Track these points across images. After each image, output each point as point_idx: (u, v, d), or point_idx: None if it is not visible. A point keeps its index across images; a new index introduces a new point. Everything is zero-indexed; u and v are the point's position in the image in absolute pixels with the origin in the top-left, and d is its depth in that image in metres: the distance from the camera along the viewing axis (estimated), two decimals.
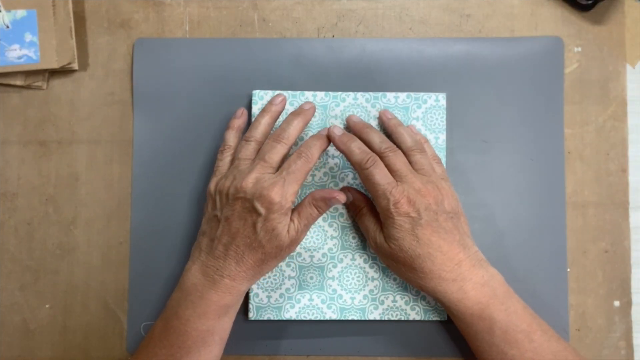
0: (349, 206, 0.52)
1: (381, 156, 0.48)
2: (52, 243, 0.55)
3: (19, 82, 0.55)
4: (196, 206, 0.54)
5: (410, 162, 0.49)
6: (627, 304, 0.53)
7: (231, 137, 0.51)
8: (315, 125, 0.53)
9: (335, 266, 0.52)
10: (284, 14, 0.56)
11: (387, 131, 0.52)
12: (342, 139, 0.49)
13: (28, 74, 0.55)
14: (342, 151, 0.49)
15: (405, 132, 0.50)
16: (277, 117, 0.51)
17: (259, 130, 0.50)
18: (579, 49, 0.55)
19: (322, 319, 0.52)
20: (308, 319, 0.52)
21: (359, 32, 0.56)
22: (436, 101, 0.53)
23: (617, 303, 0.53)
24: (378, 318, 0.52)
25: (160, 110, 0.55)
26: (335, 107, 0.53)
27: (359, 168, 0.48)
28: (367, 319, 0.52)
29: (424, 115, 0.53)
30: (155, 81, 0.55)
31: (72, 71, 0.56)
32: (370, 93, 0.53)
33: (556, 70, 0.55)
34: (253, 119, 0.53)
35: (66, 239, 0.55)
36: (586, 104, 0.55)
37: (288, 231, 0.46)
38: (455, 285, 0.46)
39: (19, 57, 0.54)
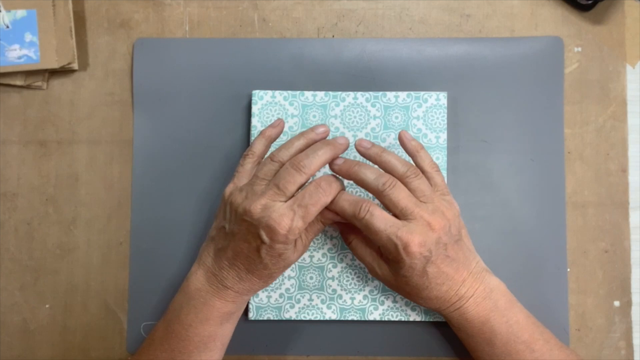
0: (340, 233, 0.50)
1: (380, 194, 0.45)
2: (52, 243, 0.55)
3: (19, 82, 0.55)
4: (196, 206, 0.54)
5: (409, 191, 0.45)
6: (627, 304, 0.53)
7: (259, 145, 0.49)
8: (315, 124, 0.53)
9: (335, 266, 0.52)
10: (284, 14, 0.56)
11: (371, 162, 0.48)
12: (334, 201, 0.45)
13: (28, 74, 0.55)
14: (334, 208, 0.45)
15: (392, 158, 0.46)
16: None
17: (288, 154, 0.47)
18: (579, 49, 0.55)
19: (322, 319, 0.52)
20: (308, 319, 0.52)
21: (359, 32, 0.56)
22: (437, 100, 0.53)
23: (617, 303, 0.53)
24: (378, 318, 0.52)
25: (160, 110, 0.55)
26: (335, 107, 0.53)
27: (352, 219, 0.45)
28: (367, 319, 0.52)
29: (425, 114, 0.53)
30: (155, 81, 0.55)
31: (72, 71, 0.56)
32: (371, 93, 0.53)
33: (556, 70, 0.55)
34: (253, 119, 0.53)
35: (66, 239, 0.55)
36: (586, 104, 0.55)
37: (295, 249, 0.45)
38: (458, 304, 0.46)
39: (19, 57, 0.54)
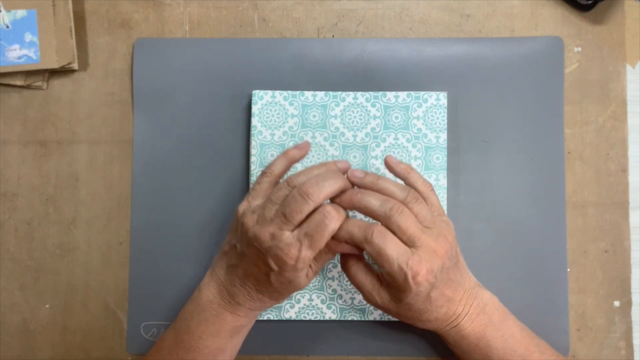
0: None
1: (388, 221, 0.42)
2: (52, 243, 0.55)
3: (19, 82, 0.55)
4: (196, 206, 0.54)
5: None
6: (627, 304, 0.53)
7: (279, 164, 0.47)
8: (315, 125, 0.53)
9: (335, 266, 0.52)
10: (284, 14, 0.56)
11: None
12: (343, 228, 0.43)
13: (28, 74, 0.55)
14: (343, 237, 0.43)
15: (389, 184, 0.44)
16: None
17: (305, 180, 0.44)
18: (579, 49, 0.55)
19: (322, 319, 0.52)
20: (308, 319, 0.52)
21: (359, 32, 0.56)
22: (437, 100, 0.53)
23: (617, 303, 0.53)
24: (378, 318, 0.52)
25: (160, 110, 0.55)
26: (335, 107, 0.53)
27: (363, 243, 0.42)
28: (367, 319, 0.52)
29: (425, 114, 0.53)
30: (155, 81, 0.55)
31: (72, 71, 0.56)
32: (371, 93, 0.53)
33: (556, 70, 0.55)
34: (253, 119, 0.53)
35: (66, 239, 0.55)
36: (586, 104, 0.55)
37: (306, 276, 0.44)
38: (454, 322, 0.46)
39: (19, 57, 0.54)
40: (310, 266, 0.45)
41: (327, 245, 0.43)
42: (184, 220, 0.54)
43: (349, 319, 0.52)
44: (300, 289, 0.45)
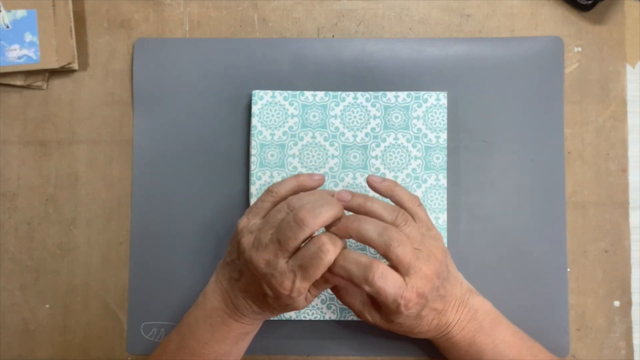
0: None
1: (387, 252, 0.41)
2: (52, 243, 0.55)
3: (19, 82, 0.55)
4: (196, 205, 0.54)
5: None
6: (627, 304, 0.53)
7: (287, 187, 0.46)
8: (315, 124, 0.53)
9: None
10: (284, 14, 0.56)
11: (355, 213, 0.44)
12: (338, 263, 0.41)
13: (28, 74, 0.55)
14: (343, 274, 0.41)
15: (377, 206, 0.43)
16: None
17: (303, 203, 0.42)
18: (579, 49, 0.55)
19: (322, 319, 0.52)
20: (308, 319, 0.52)
21: (359, 32, 0.56)
22: (437, 100, 0.53)
23: (617, 303, 0.53)
24: None
25: (160, 110, 0.55)
26: (335, 107, 0.53)
27: (363, 283, 0.41)
28: None
29: (425, 114, 0.53)
30: (155, 81, 0.55)
31: (72, 71, 0.56)
32: (370, 92, 0.53)
33: (556, 70, 0.55)
34: (253, 119, 0.53)
35: (66, 239, 0.55)
36: (586, 104, 0.55)
37: (305, 299, 0.44)
38: (445, 330, 0.46)
39: (19, 57, 0.54)
40: (309, 291, 0.44)
41: (324, 276, 0.42)
42: (184, 220, 0.54)
43: (349, 319, 0.52)
44: (300, 309, 0.44)
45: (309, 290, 0.43)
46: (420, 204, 0.47)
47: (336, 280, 0.43)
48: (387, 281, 0.40)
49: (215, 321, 0.46)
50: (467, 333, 0.46)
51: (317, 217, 0.40)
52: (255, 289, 0.43)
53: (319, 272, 0.40)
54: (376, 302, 0.45)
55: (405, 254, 0.41)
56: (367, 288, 0.41)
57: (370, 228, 0.41)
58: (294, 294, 0.41)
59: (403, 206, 0.46)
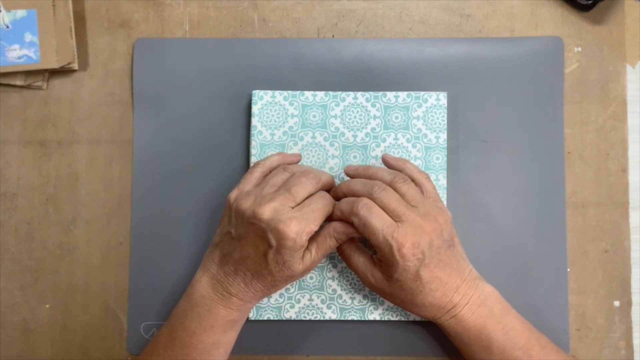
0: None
1: (369, 196, 0.45)
2: (52, 243, 0.55)
3: (19, 82, 0.55)
4: (196, 205, 0.54)
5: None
6: (627, 304, 0.53)
7: (273, 160, 0.50)
8: (315, 124, 0.53)
9: (335, 266, 0.52)
10: (284, 14, 0.56)
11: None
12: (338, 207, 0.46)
13: (28, 74, 0.55)
14: (339, 215, 0.46)
15: (379, 169, 0.48)
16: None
17: (302, 169, 0.48)
18: (579, 49, 0.55)
19: (322, 319, 0.52)
20: (308, 319, 0.52)
21: (359, 32, 0.56)
22: (437, 100, 0.53)
23: (617, 303, 0.53)
24: (378, 318, 0.52)
25: (160, 110, 0.55)
26: (335, 107, 0.53)
27: (351, 215, 0.45)
28: (367, 319, 0.52)
29: (425, 114, 0.53)
30: (155, 81, 0.55)
31: (72, 71, 0.56)
32: (370, 92, 0.53)
33: (556, 70, 0.55)
34: (253, 119, 0.53)
35: (66, 239, 0.55)
36: (586, 104, 0.55)
37: (302, 261, 0.45)
38: (453, 311, 0.46)
39: (19, 57, 0.54)
40: (309, 252, 0.46)
41: (326, 229, 0.46)
42: (184, 220, 0.54)
43: (349, 319, 0.52)
44: (295, 276, 0.46)
45: (309, 250, 0.46)
46: (428, 178, 0.49)
47: (341, 231, 0.46)
48: (371, 212, 0.44)
49: (203, 310, 0.46)
50: (478, 318, 0.46)
51: (322, 175, 0.47)
52: (254, 250, 0.44)
53: (322, 214, 0.45)
54: (378, 262, 0.46)
55: (390, 200, 0.44)
56: (354, 220, 0.44)
57: (357, 183, 0.47)
58: (299, 239, 0.43)
59: (412, 177, 0.48)
